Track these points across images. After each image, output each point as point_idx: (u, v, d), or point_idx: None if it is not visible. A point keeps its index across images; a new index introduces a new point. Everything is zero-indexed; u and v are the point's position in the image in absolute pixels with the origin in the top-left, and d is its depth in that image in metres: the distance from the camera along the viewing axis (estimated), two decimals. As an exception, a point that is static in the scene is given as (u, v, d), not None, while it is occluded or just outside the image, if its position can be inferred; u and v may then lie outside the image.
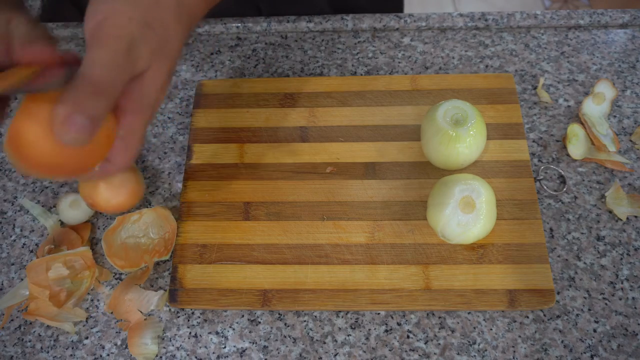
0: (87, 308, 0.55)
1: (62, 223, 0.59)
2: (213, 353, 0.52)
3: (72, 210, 0.57)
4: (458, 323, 0.53)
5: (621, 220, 0.57)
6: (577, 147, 0.60)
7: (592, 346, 0.51)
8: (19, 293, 0.55)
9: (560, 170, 0.60)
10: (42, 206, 0.60)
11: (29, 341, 0.54)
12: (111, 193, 0.55)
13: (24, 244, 0.58)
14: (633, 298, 0.53)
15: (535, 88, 0.65)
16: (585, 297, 0.53)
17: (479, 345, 0.51)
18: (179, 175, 0.62)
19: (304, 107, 0.63)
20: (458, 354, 0.51)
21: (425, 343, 0.52)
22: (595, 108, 0.62)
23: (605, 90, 0.63)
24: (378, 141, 0.61)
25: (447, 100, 0.56)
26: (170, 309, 0.55)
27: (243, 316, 0.54)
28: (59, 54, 0.38)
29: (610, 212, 0.57)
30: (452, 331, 0.52)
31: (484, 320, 0.53)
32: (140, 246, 0.57)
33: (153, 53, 0.39)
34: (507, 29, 0.70)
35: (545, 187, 0.59)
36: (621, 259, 0.55)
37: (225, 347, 0.52)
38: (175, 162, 0.62)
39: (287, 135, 0.62)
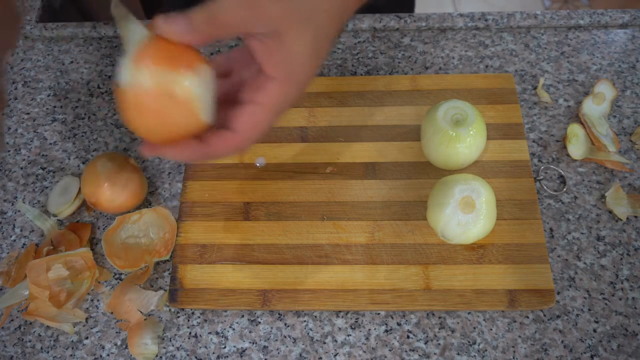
0: (87, 308, 0.55)
1: (60, 223, 0.59)
2: (213, 353, 0.52)
3: (60, 197, 0.58)
4: (458, 323, 0.53)
5: (621, 220, 0.57)
6: (577, 147, 0.60)
7: (592, 346, 0.51)
8: (19, 293, 0.55)
9: (560, 170, 0.60)
10: (42, 206, 0.60)
11: (29, 341, 0.54)
12: (114, 193, 0.55)
13: (24, 244, 0.58)
14: (633, 298, 0.53)
15: (535, 88, 0.65)
16: (585, 297, 0.53)
17: (479, 345, 0.51)
18: (179, 175, 0.62)
19: (304, 107, 0.63)
20: (458, 354, 0.51)
21: (425, 343, 0.52)
22: (595, 108, 0.62)
23: (605, 90, 0.63)
24: (378, 141, 0.61)
25: (447, 100, 0.56)
26: (170, 309, 0.55)
27: (243, 316, 0.54)
28: None
29: (610, 212, 0.57)
30: (452, 331, 0.52)
31: (484, 320, 0.53)
32: (140, 246, 0.57)
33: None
34: (507, 29, 0.70)
35: (545, 187, 0.59)
36: (621, 259, 0.55)
37: (225, 347, 0.52)
38: (175, 162, 0.62)
39: (287, 135, 0.62)
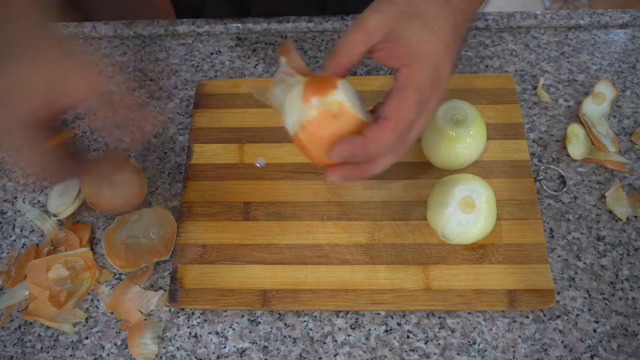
0: (87, 308, 0.55)
1: (60, 223, 0.59)
2: (213, 353, 0.52)
3: (60, 197, 0.58)
4: (458, 323, 0.53)
5: (621, 220, 0.57)
6: (577, 147, 0.60)
7: (592, 346, 0.51)
8: (19, 293, 0.55)
9: (560, 170, 0.60)
10: (42, 206, 0.60)
11: (29, 341, 0.54)
12: (114, 193, 0.55)
13: (24, 244, 0.58)
14: (633, 298, 0.53)
15: (535, 88, 0.65)
16: (585, 297, 0.53)
17: (479, 345, 0.51)
18: (179, 175, 0.62)
19: (304, 107, 0.63)
20: (458, 354, 0.51)
21: (425, 343, 0.52)
22: (595, 108, 0.62)
23: (605, 90, 0.63)
24: (378, 141, 0.61)
25: (447, 101, 0.56)
26: (170, 309, 0.55)
27: (243, 316, 0.54)
28: None
29: (610, 212, 0.57)
30: (452, 331, 0.52)
31: (484, 320, 0.53)
32: (140, 246, 0.57)
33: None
34: (507, 29, 0.70)
35: (545, 187, 0.59)
36: (621, 259, 0.55)
37: (225, 347, 0.52)
38: (175, 162, 0.62)
39: (287, 135, 0.62)
